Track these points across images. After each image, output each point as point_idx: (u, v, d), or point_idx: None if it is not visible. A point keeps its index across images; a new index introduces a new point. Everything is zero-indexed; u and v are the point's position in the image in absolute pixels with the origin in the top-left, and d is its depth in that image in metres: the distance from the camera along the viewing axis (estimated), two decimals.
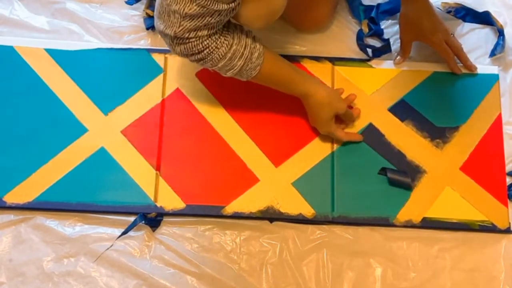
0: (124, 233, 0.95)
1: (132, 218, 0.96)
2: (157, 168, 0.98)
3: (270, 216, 0.97)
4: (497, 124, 1.02)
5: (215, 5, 0.78)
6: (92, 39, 1.07)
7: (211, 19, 0.80)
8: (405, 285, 0.94)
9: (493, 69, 1.06)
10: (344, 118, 0.99)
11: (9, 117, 1.00)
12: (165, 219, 0.97)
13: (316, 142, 1.01)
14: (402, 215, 0.97)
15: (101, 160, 0.98)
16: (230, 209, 0.97)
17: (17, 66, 1.02)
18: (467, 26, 1.10)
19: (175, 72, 1.04)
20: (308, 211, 0.97)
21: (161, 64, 1.04)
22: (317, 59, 1.05)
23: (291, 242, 0.96)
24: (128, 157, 0.99)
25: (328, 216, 0.97)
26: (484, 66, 1.06)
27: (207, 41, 0.83)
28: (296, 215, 0.97)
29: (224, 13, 0.80)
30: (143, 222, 0.96)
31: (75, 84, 1.02)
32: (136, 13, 1.10)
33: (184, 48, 0.84)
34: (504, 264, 0.95)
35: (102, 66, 1.03)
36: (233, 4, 0.79)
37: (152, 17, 1.08)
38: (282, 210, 0.97)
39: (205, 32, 0.82)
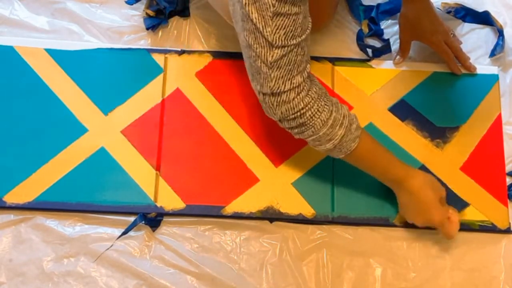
0: (124, 233, 0.95)
1: (132, 218, 0.96)
2: (157, 168, 0.98)
3: (270, 216, 0.97)
4: (497, 124, 1.02)
5: (292, 39, 0.76)
6: (92, 39, 1.07)
7: (297, 58, 0.78)
8: (405, 285, 0.94)
9: (493, 69, 1.06)
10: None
11: (9, 117, 1.00)
12: (165, 219, 0.97)
13: None
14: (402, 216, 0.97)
15: (101, 160, 0.98)
16: (230, 209, 0.97)
17: (17, 66, 1.02)
18: (467, 26, 1.10)
19: (175, 72, 1.04)
20: (308, 211, 0.97)
21: (161, 64, 1.04)
22: (317, 59, 1.05)
23: (291, 242, 0.96)
24: (128, 157, 0.99)
25: (328, 216, 0.97)
26: (484, 66, 1.06)
27: (307, 98, 0.80)
28: (296, 215, 0.97)
29: (303, 43, 0.78)
30: (143, 222, 0.96)
31: (75, 84, 1.02)
32: (136, 13, 1.10)
33: (286, 110, 0.80)
34: (504, 264, 0.95)
35: (102, 66, 1.03)
36: (308, 31, 0.78)
37: (152, 17, 1.08)
38: (282, 210, 0.97)
39: (299, 79, 0.79)
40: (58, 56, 1.03)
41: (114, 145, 0.99)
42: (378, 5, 1.10)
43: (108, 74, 1.03)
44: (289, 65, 0.78)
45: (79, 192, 0.96)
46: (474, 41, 1.09)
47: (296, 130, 0.84)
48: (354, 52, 1.08)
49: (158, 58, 1.04)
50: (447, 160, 1.00)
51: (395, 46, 1.08)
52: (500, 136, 1.01)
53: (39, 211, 0.96)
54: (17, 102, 1.01)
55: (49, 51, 1.03)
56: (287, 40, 0.76)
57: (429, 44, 1.03)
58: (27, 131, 0.99)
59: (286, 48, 0.76)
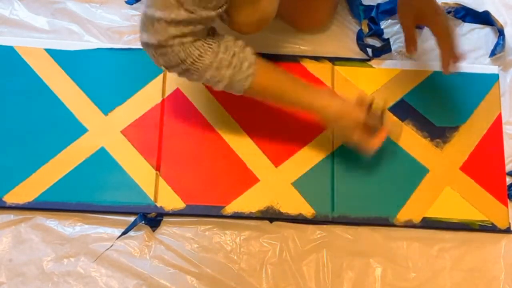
0: (124, 233, 0.95)
1: (132, 218, 0.96)
2: (157, 168, 0.98)
3: (270, 216, 0.97)
4: (497, 124, 1.02)
5: (203, 11, 0.76)
6: (92, 39, 1.07)
7: (197, 26, 0.77)
8: (405, 285, 0.94)
9: (493, 69, 1.05)
10: (372, 125, 0.90)
11: (9, 117, 1.00)
12: (165, 219, 0.97)
13: (316, 142, 1.00)
14: (402, 215, 0.97)
15: (101, 160, 0.98)
16: (230, 209, 0.97)
17: (17, 66, 1.02)
18: (467, 26, 1.10)
19: None
20: (308, 211, 0.97)
21: None
22: (317, 59, 1.05)
23: (291, 242, 0.96)
24: (128, 157, 0.99)
25: (328, 216, 0.97)
26: (484, 66, 1.06)
27: (190, 48, 0.79)
28: (296, 215, 0.97)
29: (211, 20, 0.78)
30: (143, 222, 0.96)
31: (75, 84, 1.02)
32: (136, 13, 1.10)
33: (168, 59, 0.79)
34: (504, 264, 0.95)
35: (102, 66, 1.03)
36: (220, 10, 0.78)
37: None
38: (282, 210, 0.97)
39: (189, 39, 0.78)
40: (58, 56, 1.03)
41: (114, 145, 0.99)
42: (378, 5, 1.10)
43: (108, 74, 1.03)
44: (186, 29, 0.76)
45: (79, 192, 0.97)
46: (474, 41, 1.09)
47: (182, 76, 0.83)
48: (354, 52, 1.08)
49: None
50: (447, 160, 1.00)
51: (395, 45, 1.08)
52: (500, 136, 1.01)
53: (39, 211, 0.96)
54: (17, 102, 1.01)
55: (49, 51, 1.03)
56: (195, 8, 0.75)
57: (433, 25, 0.96)
58: (27, 131, 0.99)
59: (193, 14, 0.75)
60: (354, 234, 0.97)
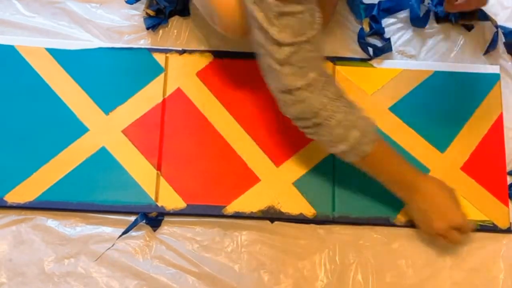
0: (124, 232, 0.95)
1: (133, 218, 0.96)
2: (158, 168, 0.98)
3: (271, 216, 0.97)
4: (498, 124, 1.02)
5: (300, 36, 0.74)
6: (92, 39, 1.07)
7: (305, 54, 0.76)
8: (405, 284, 0.94)
9: (494, 69, 1.05)
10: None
11: (10, 116, 1.00)
12: (166, 218, 0.97)
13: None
14: (403, 215, 0.96)
15: (102, 159, 0.98)
16: (231, 209, 0.97)
17: (18, 66, 1.02)
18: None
19: (176, 72, 1.04)
20: (309, 211, 0.97)
21: (162, 64, 1.04)
22: None
23: (291, 242, 0.96)
24: (129, 156, 0.98)
25: (328, 216, 0.97)
26: (485, 66, 1.06)
27: (323, 98, 0.78)
28: (297, 215, 0.97)
29: (313, 40, 0.76)
30: (144, 221, 0.96)
31: (76, 83, 1.02)
32: (137, 13, 1.09)
33: (301, 108, 0.79)
34: (504, 264, 0.95)
35: (103, 65, 1.03)
36: (316, 26, 0.76)
37: (152, 16, 1.08)
38: (283, 210, 0.97)
39: (313, 75, 0.77)
40: (59, 55, 1.03)
41: (115, 144, 0.99)
42: (379, 3, 1.10)
43: (109, 73, 1.03)
44: (301, 62, 0.76)
45: (80, 191, 0.96)
46: (474, 41, 1.09)
47: (310, 130, 0.83)
48: (355, 51, 1.07)
49: (159, 58, 1.04)
50: (448, 160, 1.00)
51: (396, 44, 1.08)
52: (501, 136, 1.01)
53: (40, 211, 0.96)
54: (18, 102, 1.00)
55: (50, 51, 1.03)
56: (294, 37, 0.74)
57: None
58: (28, 130, 0.99)
59: (295, 45, 0.75)
60: (355, 233, 0.97)
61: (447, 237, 0.89)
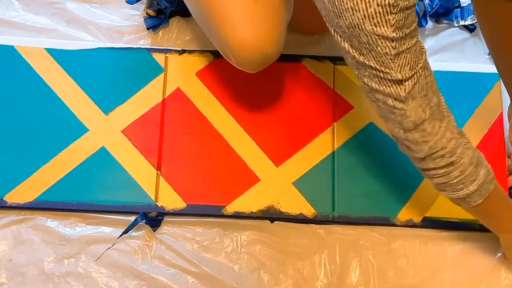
0: (124, 232, 0.95)
1: (132, 218, 0.96)
2: (158, 168, 0.98)
3: (271, 215, 0.97)
4: (498, 124, 1.01)
5: (417, 65, 0.70)
6: (92, 39, 1.07)
7: (424, 80, 0.72)
8: (405, 283, 0.94)
9: (494, 68, 1.05)
10: None
11: (9, 116, 0.99)
12: (166, 218, 0.97)
13: (317, 141, 1.00)
14: (403, 215, 0.96)
15: (102, 159, 0.98)
16: (230, 208, 0.96)
17: (18, 66, 1.02)
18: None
19: (176, 72, 1.04)
20: (308, 210, 0.97)
21: (162, 64, 1.03)
22: (318, 58, 1.05)
23: (292, 241, 0.96)
24: (129, 156, 0.98)
25: (328, 215, 0.97)
26: (484, 66, 1.06)
27: (453, 130, 0.75)
28: (297, 215, 0.96)
29: (426, 63, 0.72)
30: (144, 221, 0.96)
31: (75, 83, 1.01)
32: (137, 13, 1.10)
33: (434, 143, 0.74)
34: (504, 264, 0.95)
35: (103, 65, 1.03)
36: (424, 49, 0.72)
37: (153, 16, 1.08)
38: (283, 210, 0.97)
39: (437, 100, 0.73)
40: (58, 55, 1.03)
41: (115, 144, 0.99)
42: None
43: (109, 73, 1.03)
44: (423, 90, 0.72)
45: (79, 191, 0.96)
46: (472, 41, 1.09)
47: (442, 171, 0.77)
48: None
49: (159, 58, 1.04)
50: None
51: None
52: (501, 136, 1.01)
53: (39, 211, 0.96)
54: (17, 102, 1.00)
55: (50, 51, 1.03)
56: (413, 69, 0.70)
57: None
58: (27, 130, 0.99)
59: (414, 76, 0.71)
60: (355, 233, 0.97)
61: None
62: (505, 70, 0.86)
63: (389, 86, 0.71)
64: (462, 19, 1.09)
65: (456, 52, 1.08)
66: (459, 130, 0.78)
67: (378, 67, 0.70)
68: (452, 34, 1.09)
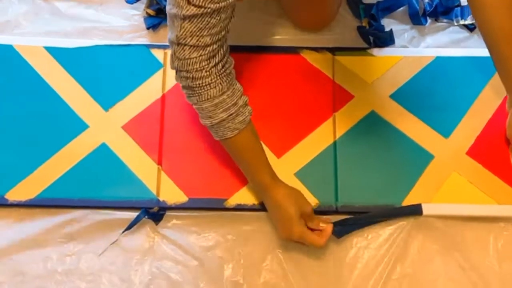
0: (127, 228, 0.95)
1: (134, 213, 0.95)
2: (159, 163, 0.98)
3: None
4: (503, 107, 0.99)
5: (212, 3, 0.76)
6: (93, 39, 1.07)
7: (211, 20, 0.78)
8: (404, 274, 0.92)
9: None
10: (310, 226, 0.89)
11: (10, 115, 1.00)
12: (168, 213, 0.96)
13: (318, 132, 0.99)
14: (407, 203, 0.94)
15: (103, 156, 0.98)
16: (232, 201, 0.95)
17: (17, 65, 1.03)
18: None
19: None
20: (311, 201, 0.94)
21: (161, 60, 1.04)
22: (316, 49, 1.04)
23: None
24: (130, 152, 0.98)
25: (332, 206, 0.95)
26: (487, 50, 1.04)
27: (205, 66, 0.80)
28: None
29: (224, 11, 0.78)
30: (146, 216, 0.95)
31: (75, 81, 1.02)
32: (137, 13, 1.10)
33: (182, 64, 0.80)
34: (503, 263, 0.93)
35: (102, 62, 1.03)
36: (229, 0, 0.77)
37: (153, 16, 1.09)
38: None
39: (207, 40, 0.78)
40: (57, 53, 1.03)
41: (115, 140, 0.99)
42: (378, 2, 1.09)
43: (108, 70, 1.03)
44: (201, 23, 0.77)
45: (81, 188, 0.96)
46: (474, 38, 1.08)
47: (184, 91, 0.84)
48: (354, 42, 1.06)
49: (158, 54, 1.04)
50: (453, 145, 0.98)
51: (396, 43, 1.07)
52: (506, 119, 0.98)
53: (41, 208, 0.96)
54: (17, 101, 1.01)
55: (49, 49, 1.04)
56: (205, 2, 0.75)
57: None
58: (28, 128, 0.99)
59: (202, 9, 0.76)
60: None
61: (305, 237, 0.88)
62: (503, 71, 0.89)
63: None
64: (462, 18, 1.08)
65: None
66: (225, 72, 0.83)
67: None
68: (452, 33, 1.08)
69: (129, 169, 0.97)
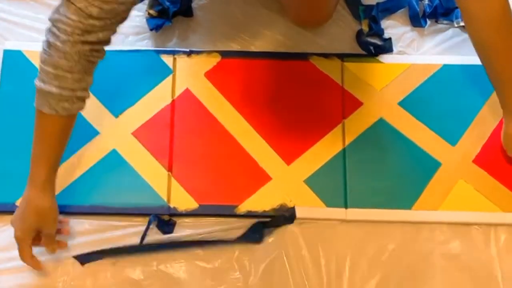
0: (142, 238, 0.95)
1: (145, 219, 0.96)
2: (169, 169, 0.98)
3: (283, 213, 0.96)
4: None
5: None
6: None
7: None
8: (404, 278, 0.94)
9: None
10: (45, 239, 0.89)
11: (20, 122, 0.99)
12: (179, 220, 0.97)
13: (327, 139, 1.00)
14: (416, 209, 0.96)
15: (113, 162, 0.98)
16: (243, 208, 0.96)
17: (26, 70, 1.02)
18: None
19: (184, 73, 1.04)
20: (321, 207, 0.96)
21: (170, 65, 1.04)
22: (325, 55, 1.05)
23: (303, 238, 0.96)
24: (140, 158, 0.98)
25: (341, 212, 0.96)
26: None
27: (75, 36, 0.77)
28: None
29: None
30: (156, 224, 0.95)
31: None
32: (139, 14, 1.09)
33: (58, 20, 0.77)
34: (504, 263, 0.95)
35: (111, 68, 1.02)
36: None
37: (155, 17, 1.07)
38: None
39: (94, 11, 0.76)
40: None
41: (126, 147, 0.99)
42: (378, 4, 1.09)
43: (118, 76, 1.03)
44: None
45: (91, 195, 0.96)
46: None
47: (42, 44, 0.81)
48: (357, 49, 1.07)
49: (167, 59, 1.04)
50: (459, 153, 0.99)
51: (396, 45, 1.07)
52: None
53: None
54: (27, 107, 0.99)
55: None
56: None
57: None
58: None
59: None
60: (368, 230, 0.96)
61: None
62: (495, 84, 0.91)
63: None
64: (462, 20, 1.09)
65: (455, 52, 1.07)
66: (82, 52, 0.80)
67: None
68: (452, 34, 1.09)
69: (139, 176, 0.98)
